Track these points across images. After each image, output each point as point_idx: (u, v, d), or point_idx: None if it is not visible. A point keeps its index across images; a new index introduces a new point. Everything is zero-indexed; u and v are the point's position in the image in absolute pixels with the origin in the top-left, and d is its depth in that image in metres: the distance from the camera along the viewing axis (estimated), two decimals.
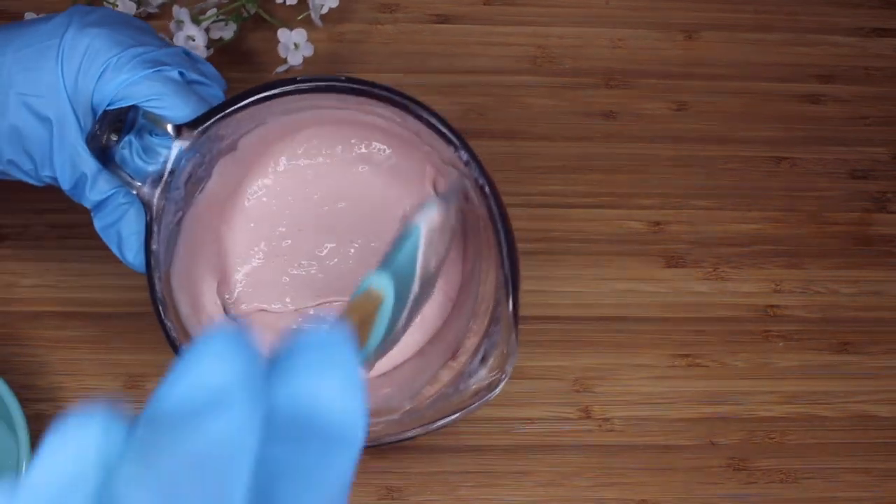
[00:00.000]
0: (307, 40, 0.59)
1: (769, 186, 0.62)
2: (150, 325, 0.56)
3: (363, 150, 0.52)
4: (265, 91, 0.43)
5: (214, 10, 0.59)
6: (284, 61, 0.59)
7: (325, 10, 0.60)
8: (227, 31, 0.59)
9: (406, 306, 0.38)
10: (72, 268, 0.57)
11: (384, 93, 0.43)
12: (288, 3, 0.60)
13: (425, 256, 0.40)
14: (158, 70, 0.44)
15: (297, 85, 0.43)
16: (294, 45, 0.59)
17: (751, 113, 0.63)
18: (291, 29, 0.59)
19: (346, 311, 0.35)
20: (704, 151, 0.62)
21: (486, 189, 0.43)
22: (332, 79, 0.43)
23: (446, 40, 0.62)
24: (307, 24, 0.60)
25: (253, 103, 0.43)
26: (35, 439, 0.50)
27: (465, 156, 0.43)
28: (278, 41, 0.59)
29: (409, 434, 0.45)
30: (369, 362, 0.38)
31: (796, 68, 0.64)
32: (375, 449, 0.55)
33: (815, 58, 0.64)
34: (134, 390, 0.55)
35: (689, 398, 0.58)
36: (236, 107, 0.43)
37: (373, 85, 0.43)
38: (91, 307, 0.56)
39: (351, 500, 0.52)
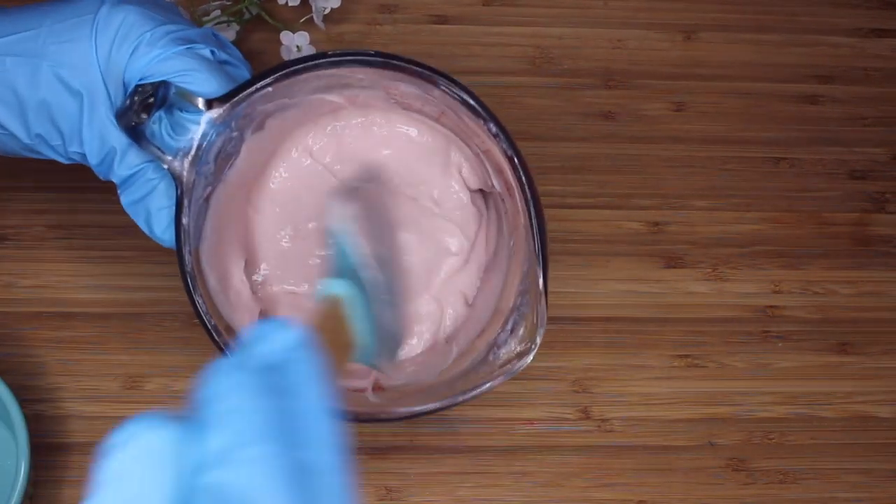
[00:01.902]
0: (309, 42, 0.59)
1: (768, 187, 0.62)
2: (149, 325, 0.56)
3: (386, 132, 0.52)
4: (295, 65, 0.43)
5: (217, 12, 0.59)
6: None
7: (326, 11, 0.60)
8: (230, 33, 0.59)
9: (379, 293, 0.40)
10: (71, 269, 0.57)
11: (414, 66, 0.44)
12: (290, 4, 0.60)
13: (357, 246, 0.41)
14: (190, 47, 0.45)
15: (327, 59, 0.44)
16: (297, 48, 0.59)
17: (750, 113, 0.63)
18: (294, 31, 0.59)
19: (314, 326, 0.36)
20: (703, 152, 0.62)
21: (515, 160, 0.44)
22: (361, 52, 0.44)
23: (445, 41, 0.63)
24: (309, 25, 0.60)
25: (283, 77, 0.44)
26: (34, 440, 0.50)
27: (493, 128, 0.44)
28: (280, 43, 0.59)
29: (440, 405, 0.45)
30: (381, 359, 0.41)
31: (795, 69, 0.64)
32: (376, 449, 0.55)
33: (814, 58, 0.64)
34: (133, 391, 0.55)
35: (689, 399, 0.58)
36: (266, 81, 0.44)
37: (403, 59, 0.44)
38: (90, 308, 0.56)
39: None
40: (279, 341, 0.30)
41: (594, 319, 0.59)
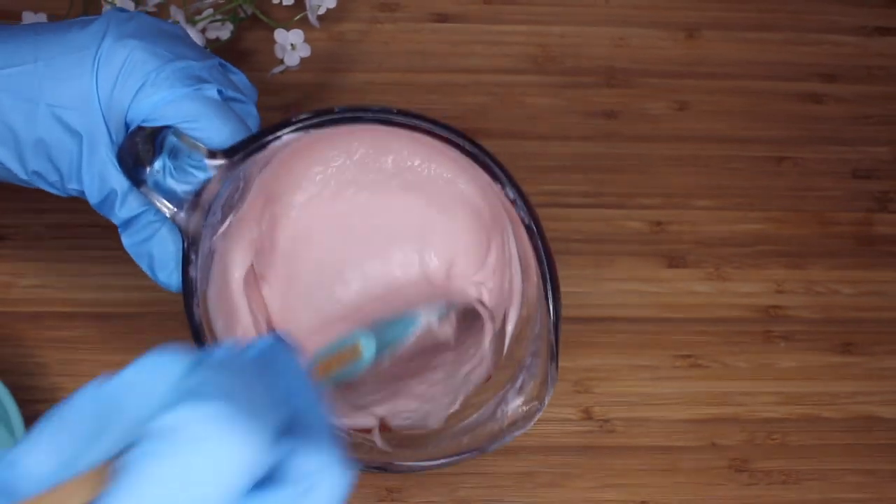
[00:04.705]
0: (304, 41, 0.59)
1: (771, 186, 0.61)
2: (149, 325, 0.56)
3: (399, 167, 0.50)
4: (304, 121, 0.42)
5: (211, 11, 0.59)
6: (281, 62, 0.59)
7: (322, 11, 0.60)
8: (224, 32, 0.59)
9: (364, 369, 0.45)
10: (71, 268, 0.57)
11: (431, 127, 0.42)
12: (285, 3, 0.60)
13: (405, 343, 0.47)
14: (198, 89, 0.43)
15: (336, 115, 0.42)
16: (291, 46, 0.59)
17: (753, 112, 0.62)
18: (288, 29, 0.59)
19: (324, 356, 0.42)
20: (706, 151, 0.62)
21: (533, 228, 0.43)
22: (378, 109, 0.42)
23: (446, 39, 0.62)
24: (304, 24, 0.60)
25: (291, 133, 0.42)
26: None
27: (511, 193, 0.43)
28: (275, 42, 0.59)
29: (447, 461, 0.45)
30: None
31: (798, 67, 0.64)
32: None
33: (818, 57, 0.64)
34: None
35: (691, 399, 0.58)
36: (273, 136, 0.42)
37: (418, 117, 0.42)
38: (90, 307, 0.56)
39: (350, 502, 0.52)
40: (259, 344, 0.33)
41: (596, 319, 0.58)
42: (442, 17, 0.63)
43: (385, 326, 0.46)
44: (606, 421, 0.57)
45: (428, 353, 0.50)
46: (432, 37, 0.62)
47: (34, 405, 0.54)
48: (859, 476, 0.57)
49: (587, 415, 0.57)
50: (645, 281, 0.59)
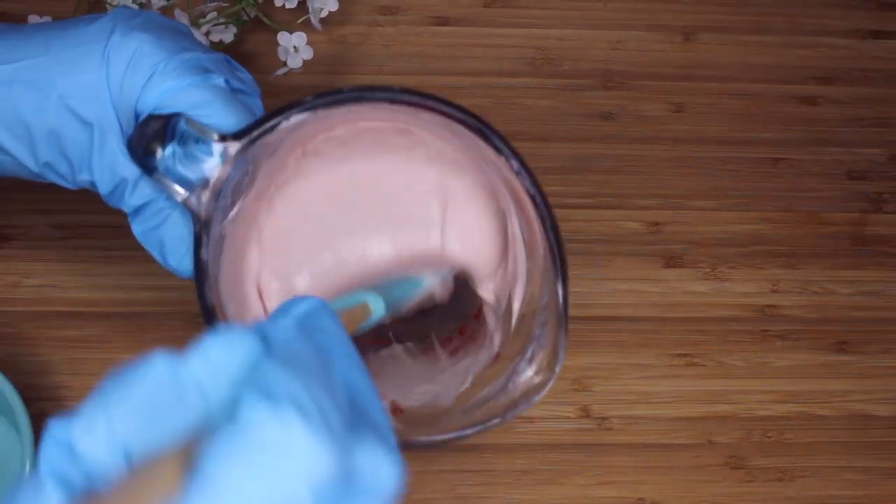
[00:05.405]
0: (307, 43, 0.59)
1: (767, 187, 0.62)
2: (153, 324, 0.56)
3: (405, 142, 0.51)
4: (312, 101, 0.42)
5: (214, 14, 0.60)
6: (284, 64, 0.60)
7: (324, 14, 0.60)
8: (227, 35, 0.60)
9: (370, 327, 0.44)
10: (75, 268, 0.57)
11: (436, 103, 0.43)
12: (287, 6, 0.61)
13: (408, 304, 0.47)
14: (205, 77, 0.44)
15: (344, 94, 0.42)
16: (294, 48, 0.59)
17: (749, 114, 0.63)
18: (291, 32, 0.59)
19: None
20: (702, 152, 0.62)
21: (537, 199, 0.43)
22: (384, 88, 0.43)
23: (446, 42, 0.63)
24: (307, 27, 0.60)
25: (299, 113, 0.42)
26: (38, 439, 0.50)
27: (516, 165, 0.43)
28: (278, 44, 0.59)
29: (459, 434, 0.45)
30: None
31: (794, 70, 0.64)
32: None
33: (813, 60, 0.64)
34: None
35: (688, 397, 0.58)
36: (282, 116, 0.42)
37: (423, 95, 0.43)
38: (94, 307, 0.57)
39: None
40: (301, 307, 0.32)
41: (595, 319, 0.59)
42: (442, 21, 0.63)
43: (390, 287, 0.46)
44: (604, 419, 0.57)
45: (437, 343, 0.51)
46: (432, 40, 0.63)
47: (39, 403, 0.55)
48: (854, 473, 0.58)
49: (585, 413, 0.57)
50: (642, 281, 0.60)
